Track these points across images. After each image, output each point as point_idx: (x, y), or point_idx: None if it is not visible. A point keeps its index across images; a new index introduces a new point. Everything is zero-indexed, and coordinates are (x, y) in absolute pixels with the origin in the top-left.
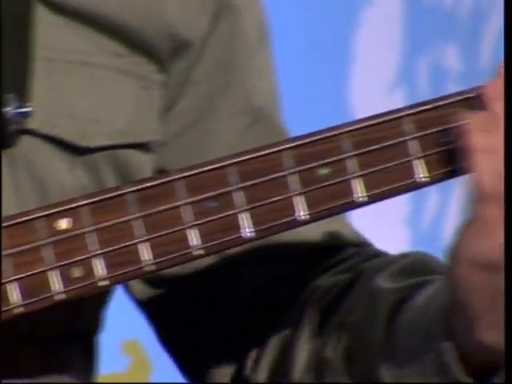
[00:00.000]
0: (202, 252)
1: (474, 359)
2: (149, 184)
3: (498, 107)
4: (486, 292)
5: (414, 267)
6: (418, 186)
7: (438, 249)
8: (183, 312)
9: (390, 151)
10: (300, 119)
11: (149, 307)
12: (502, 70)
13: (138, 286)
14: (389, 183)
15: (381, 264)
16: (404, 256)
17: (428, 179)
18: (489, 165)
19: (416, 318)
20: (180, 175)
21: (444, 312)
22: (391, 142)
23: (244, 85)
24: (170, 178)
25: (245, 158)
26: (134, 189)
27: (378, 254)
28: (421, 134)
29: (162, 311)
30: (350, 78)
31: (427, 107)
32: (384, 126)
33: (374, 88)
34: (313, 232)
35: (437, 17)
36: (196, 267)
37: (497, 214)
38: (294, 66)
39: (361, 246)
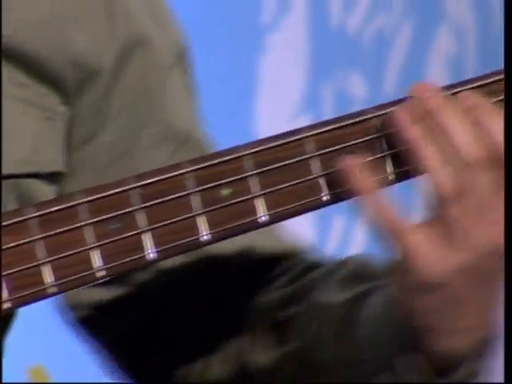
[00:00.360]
0: (103, 273)
1: (439, 362)
2: (51, 206)
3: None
4: (437, 310)
5: (355, 276)
6: (320, 205)
7: None
8: (135, 323)
9: (293, 171)
10: None
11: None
12: (417, 89)
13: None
14: (291, 202)
15: (323, 274)
16: (343, 264)
17: (330, 198)
18: (444, 169)
19: (373, 329)
20: (83, 197)
21: (401, 325)
22: (293, 161)
23: (164, 112)
24: (74, 203)
25: (147, 179)
26: (36, 212)
27: (318, 263)
28: (322, 152)
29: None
30: (255, 103)
31: (329, 127)
32: (286, 145)
33: (279, 114)
34: (249, 246)
35: (342, 43)
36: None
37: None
38: (199, 92)
39: (298, 256)
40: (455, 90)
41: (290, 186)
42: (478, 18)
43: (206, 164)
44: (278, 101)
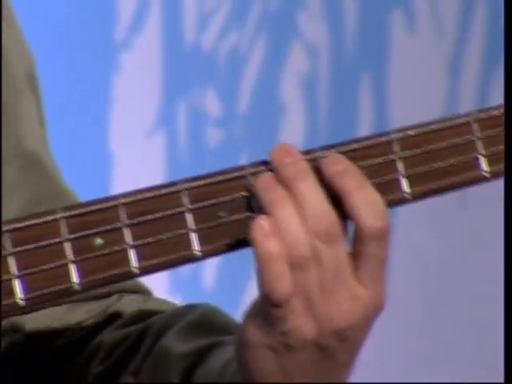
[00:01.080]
0: None
1: None
2: None
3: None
4: (278, 371)
5: (202, 324)
6: (194, 258)
7: (198, 295)
8: None
9: (167, 223)
10: (61, 165)
11: None
12: (276, 152)
13: None
14: (164, 255)
15: (167, 319)
16: (189, 309)
17: (201, 254)
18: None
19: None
20: None
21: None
22: (168, 214)
23: (15, 128)
24: None
25: (20, 223)
26: None
27: (160, 304)
28: (196, 206)
29: None
30: (108, 122)
31: (204, 182)
32: (161, 197)
33: (133, 132)
34: None
35: (196, 60)
36: None
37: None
38: (52, 112)
39: (139, 293)
40: (316, 154)
41: (163, 238)
42: (332, 35)
43: (80, 211)
44: (132, 119)
